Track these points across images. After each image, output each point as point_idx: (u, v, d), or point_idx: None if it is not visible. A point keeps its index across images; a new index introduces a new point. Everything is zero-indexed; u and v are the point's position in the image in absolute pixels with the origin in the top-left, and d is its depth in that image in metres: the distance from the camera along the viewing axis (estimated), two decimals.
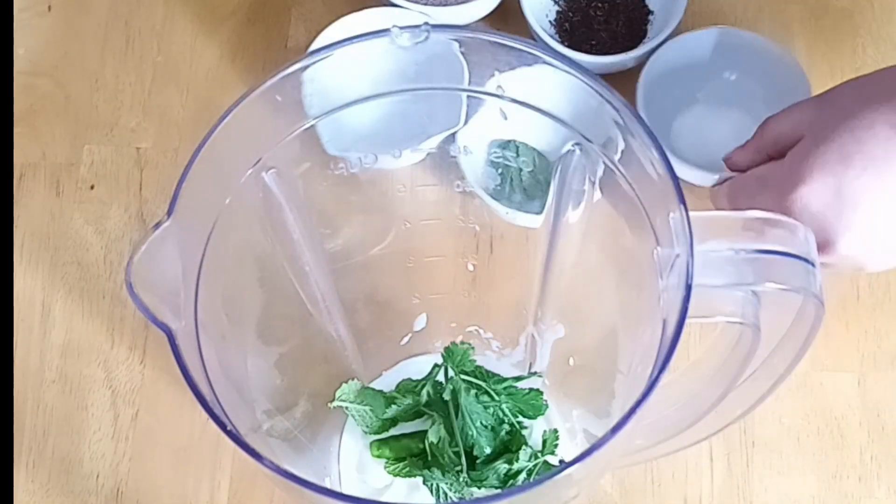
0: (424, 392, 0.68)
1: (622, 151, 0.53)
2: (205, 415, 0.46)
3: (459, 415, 0.66)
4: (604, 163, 0.54)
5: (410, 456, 0.69)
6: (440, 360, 0.68)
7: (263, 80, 0.51)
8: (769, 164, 0.63)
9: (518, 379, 0.69)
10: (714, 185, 0.72)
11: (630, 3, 0.82)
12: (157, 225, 0.47)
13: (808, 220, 0.56)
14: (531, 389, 0.68)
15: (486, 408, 0.67)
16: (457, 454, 0.66)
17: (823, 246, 0.59)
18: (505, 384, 0.68)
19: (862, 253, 0.60)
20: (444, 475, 0.67)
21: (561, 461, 0.69)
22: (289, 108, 0.53)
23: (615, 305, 0.63)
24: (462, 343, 0.68)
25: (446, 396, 0.66)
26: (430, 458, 0.67)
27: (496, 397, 0.67)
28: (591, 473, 0.58)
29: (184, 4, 0.85)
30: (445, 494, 0.68)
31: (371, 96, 0.55)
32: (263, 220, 0.57)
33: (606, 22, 0.82)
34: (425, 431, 0.68)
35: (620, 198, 0.53)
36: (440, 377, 0.68)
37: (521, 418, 0.69)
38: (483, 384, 0.67)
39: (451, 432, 0.66)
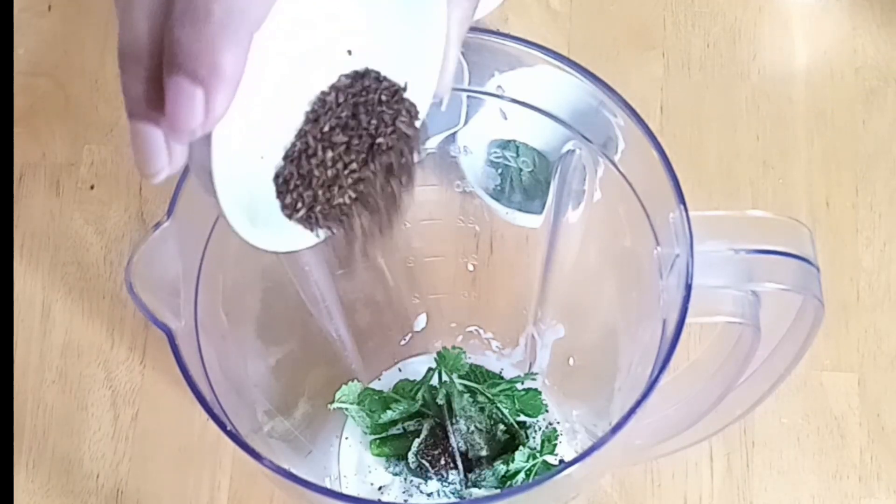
0: (419, 396, 0.68)
1: (622, 151, 0.53)
2: (205, 415, 0.46)
3: (453, 418, 0.66)
4: (604, 163, 0.54)
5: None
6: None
7: None
8: None
9: (515, 381, 0.69)
10: None
11: None
12: (157, 225, 0.47)
13: None
14: (530, 389, 0.68)
15: (481, 409, 0.67)
16: (451, 456, 0.66)
17: None
18: (501, 387, 0.68)
19: None
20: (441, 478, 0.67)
21: (561, 461, 0.69)
22: None
23: (615, 305, 0.63)
24: (454, 347, 0.68)
25: (440, 401, 0.66)
26: (415, 466, 0.68)
27: (492, 399, 0.67)
28: (591, 473, 0.58)
29: None
30: (445, 494, 0.68)
31: None
32: None
33: None
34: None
35: (620, 198, 0.53)
36: (434, 381, 0.68)
37: (522, 418, 0.69)
38: (477, 387, 0.67)
39: (446, 435, 0.66)
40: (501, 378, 0.70)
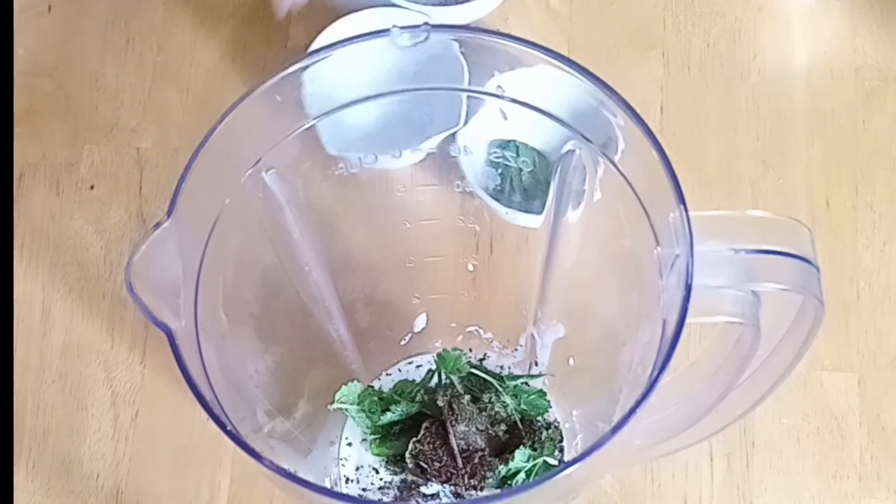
0: (419, 397, 0.68)
1: (622, 151, 0.52)
2: (205, 415, 0.46)
3: (454, 418, 0.66)
4: (604, 163, 0.54)
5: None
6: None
7: (263, 80, 0.51)
8: None
9: (528, 377, 0.69)
10: None
11: None
12: (157, 225, 0.47)
13: None
14: (537, 390, 0.68)
15: (481, 410, 0.67)
16: (451, 456, 0.66)
17: None
18: (514, 382, 0.68)
19: None
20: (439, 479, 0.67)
21: (561, 461, 0.69)
22: (289, 108, 0.53)
23: (615, 305, 0.63)
24: (455, 349, 0.68)
25: (440, 402, 0.66)
26: (414, 467, 0.68)
27: (499, 398, 0.67)
28: (591, 474, 0.58)
29: (184, 4, 0.85)
30: (445, 494, 0.68)
31: (371, 96, 0.55)
32: (263, 220, 0.57)
33: None
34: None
35: (620, 198, 0.53)
36: (433, 382, 0.68)
37: (525, 417, 0.69)
38: (489, 378, 0.68)
39: (446, 435, 0.66)
40: (502, 378, 0.70)
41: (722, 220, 0.49)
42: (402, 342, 0.74)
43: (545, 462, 0.67)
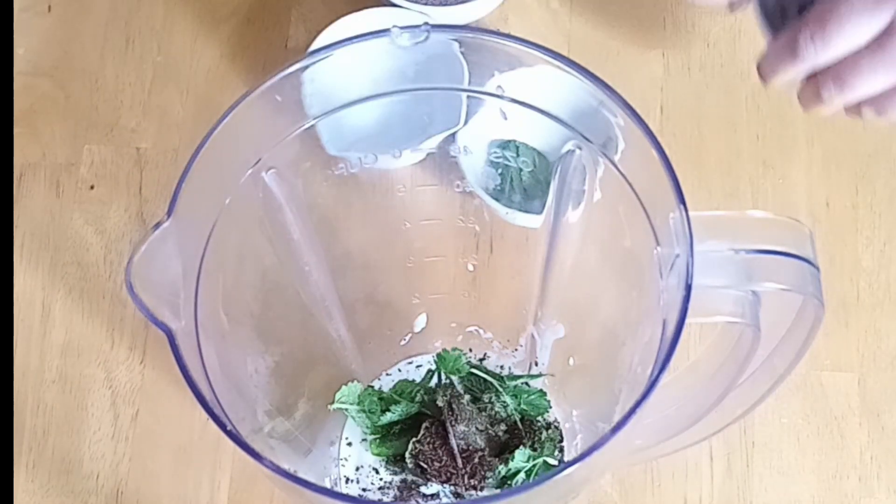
0: (419, 397, 0.68)
1: (622, 151, 0.53)
2: (205, 415, 0.46)
3: (454, 419, 0.66)
4: (604, 163, 0.54)
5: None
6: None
7: (263, 80, 0.51)
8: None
9: (528, 377, 0.69)
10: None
11: None
12: (157, 225, 0.47)
13: None
14: (537, 390, 0.68)
15: (480, 410, 0.67)
16: (451, 456, 0.66)
17: None
18: (514, 382, 0.68)
19: None
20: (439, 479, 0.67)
21: (561, 461, 0.69)
22: (289, 108, 0.53)
23: (615, 305, 0.63)
24: (454, 349, 0.68)
25: (440, 403, 0.66)
26: (414, 467, 0.68)
27: (497, 398, 0.67)
28: (591, 473, 0.58)
29: (184, 4, 0.85)
30: (445, 495, 0.68)
31: (371, 96, 0.55)
32: (263, 220, 0.57)
33: None
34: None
35: (620, 198, 0.53)
36: (433, 382, 0.68)
37: (526, 418, 0.69)
38: (489, 378, 0.68)
39: (446, 435, 0.66)
40: (502, 378, 0.70)
41: (722, 220, 0.49)
42: (402, 342, 0.74)
43: (545, 462, 0.67)
